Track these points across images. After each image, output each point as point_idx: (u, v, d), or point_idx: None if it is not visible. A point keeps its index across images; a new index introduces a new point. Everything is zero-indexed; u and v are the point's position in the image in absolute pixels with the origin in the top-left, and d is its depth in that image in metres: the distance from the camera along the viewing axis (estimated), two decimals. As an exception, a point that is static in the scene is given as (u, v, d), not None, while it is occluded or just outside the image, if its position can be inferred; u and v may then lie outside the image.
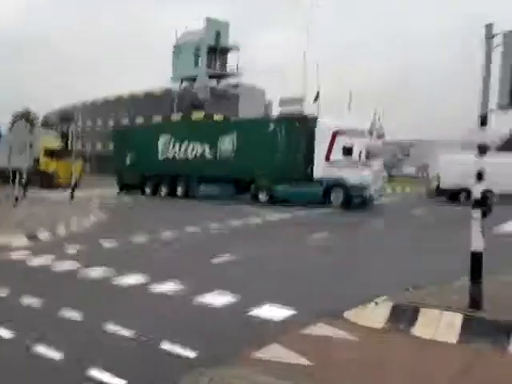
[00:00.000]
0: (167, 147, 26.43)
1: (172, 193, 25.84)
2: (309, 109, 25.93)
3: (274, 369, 4.45)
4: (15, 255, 10.18)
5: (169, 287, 7.37)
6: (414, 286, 6.46)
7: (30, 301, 6.68)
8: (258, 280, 8.21)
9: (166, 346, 5.04)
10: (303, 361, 4.66)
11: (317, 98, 27.26)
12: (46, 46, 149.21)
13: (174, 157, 26.18)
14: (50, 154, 31.68)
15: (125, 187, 28.21)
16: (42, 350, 4.93)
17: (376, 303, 5.87)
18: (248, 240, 12.77)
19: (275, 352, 4.85)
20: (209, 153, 24.49)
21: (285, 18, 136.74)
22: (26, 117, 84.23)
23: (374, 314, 5.74)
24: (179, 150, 25.86)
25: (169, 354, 4.90)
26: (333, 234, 13.81)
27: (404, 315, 5.56)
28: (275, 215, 18.10)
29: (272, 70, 67.72)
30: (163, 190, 26.31)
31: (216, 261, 9.55)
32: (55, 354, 4.82)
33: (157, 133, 27.58)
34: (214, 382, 4.23)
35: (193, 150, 25.14)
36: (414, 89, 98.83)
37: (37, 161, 29.52)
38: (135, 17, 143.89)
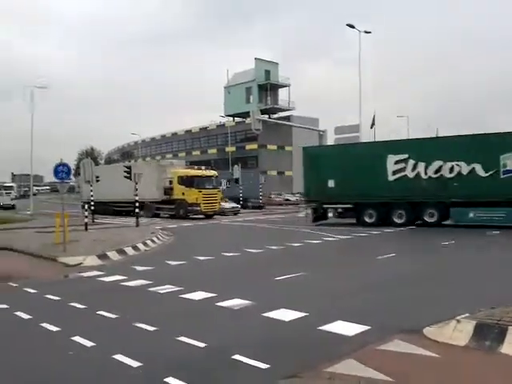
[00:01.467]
0: (404, 168, 21.21)
1: (410, 221, 21.12)
2: (365, 135, 25.52)
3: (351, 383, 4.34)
4: (88, 273, 10.78)
5: (237, 303, 7.42)
6: (496, 305, 6.12)
7: (105, 314, 6.96)
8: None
9: (238, 357, 5.05)
10: (382, 377, 4.49)
11: (373, 123, 27.15)
12: (106, 90, 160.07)
13: (417, 178, 20.93)
14: (187, 182, 29.95)
15: (323, 214, 23.36)
16: (120, 358, 5.10)
17: (458, 321, 5.60)
18: None
19: (351, 367, 4.73)
20: (483, 172, 19.53)
21: (334, 49, 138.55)
22: (90, 154, 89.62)
23: (456, 332, 5.45)
24: (426, 170, 20.75)
25: (241, 364, 4.90)
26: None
27: (490, 333, 5.25)
28: None
29: (324, 100, 68.54)
30: (392, 219, 21.42)
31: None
32: (133, 362, 4.96)
33: (380, 151, 22.09)
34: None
35: (452, 170, 20.17)
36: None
37: (167, 190, 30.47)
38: (186, 60, 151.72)
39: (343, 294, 8.12)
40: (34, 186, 59.64)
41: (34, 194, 51.90)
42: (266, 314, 6.68)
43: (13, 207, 45.94)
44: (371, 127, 38.47)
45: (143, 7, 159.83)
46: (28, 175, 52.85)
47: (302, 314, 6.64)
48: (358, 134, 26.82)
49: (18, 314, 7.10)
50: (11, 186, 79.13)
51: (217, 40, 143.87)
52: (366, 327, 5.98)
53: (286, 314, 6.66)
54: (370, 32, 32.43)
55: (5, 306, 7.65)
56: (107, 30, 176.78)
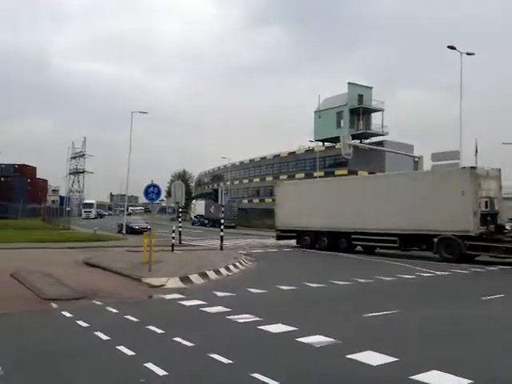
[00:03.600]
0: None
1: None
2: (465, 162, 23.67)
3: None
4: (170, 296, 10.73)
5: (319, 339, 6.80)
6: None
7: (181, 341, 6.71)
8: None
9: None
10: None
11: (477, 150, 25.33)
12: (197, 117, 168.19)
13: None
14: None
15: None
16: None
17: None
18: None
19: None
20: None
21: (430, 74, 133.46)
22: (182, 177, 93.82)
23: None
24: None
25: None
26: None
27: None
28: None
29: (420, 127, 65.67)
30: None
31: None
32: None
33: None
34: None
35: None
36: None
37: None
38: (281, 88, 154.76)
39: (440, 340, 7.15)
40: (129, 205, 63.04)
41: (129, 214, 54.68)
42: (350, 356, 5.99)
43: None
44: (475, 154, 36.25)
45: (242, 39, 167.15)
46: (124, 196, 56.05)
47: (392, 359, 5.87)
48: (457, 161, 25.00)
49: (98, 334, 7.09)
50: (91, 204, 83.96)
51: (311, 69, 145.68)
52: (467, 381, 5.11)
53: (373, 358, 5.92)
54: (472, 54, 30.53)
55: (86, 325, 7.72)
56: (207, 61, 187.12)
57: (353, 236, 23.50)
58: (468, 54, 30.65)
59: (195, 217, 65.59)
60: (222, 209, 25.65)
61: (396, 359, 5.89)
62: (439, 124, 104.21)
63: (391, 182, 22.78)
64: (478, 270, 16.71)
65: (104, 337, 6.95)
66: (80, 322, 7.88)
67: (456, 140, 28.96)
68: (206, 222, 60.65)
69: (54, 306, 9.34)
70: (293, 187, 29.47)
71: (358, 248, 24.06)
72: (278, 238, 28.37)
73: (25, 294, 10.53)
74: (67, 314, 8.55)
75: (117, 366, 5.80)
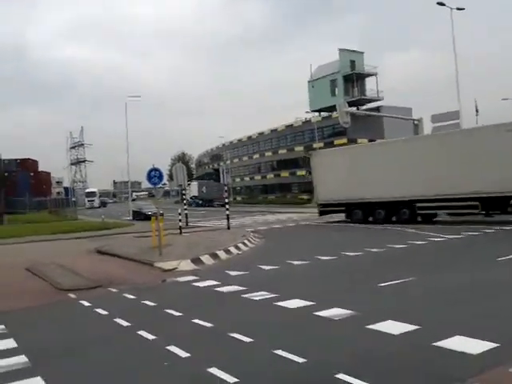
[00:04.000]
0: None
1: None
2: (466, 122, 23.37)
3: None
4: (183, 278, 10.82)
5: (336, 312, 6.86)
6: None
7: (200, 322, 6.79)
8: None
9: (342, 376, 4.52)
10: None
11: (477, 110, 25.14)
12: (196, 97, 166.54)
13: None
14: None
15: None
16: (215, 371, 4.82)
17: None
18: None
19: (477, 393, 4.02)
20: None
21: (421, 34, 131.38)
22: (182, 159, 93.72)
23: None
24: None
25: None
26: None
27: None
28: None
29: (416, 89, 64.77)
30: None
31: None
32: (228, 377, 4.65)
33: None
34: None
35: None
36: None
37: None
38: (267, 61, 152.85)
39: (460, 304, 7.19)
40: (133, 191, 63.01)
41: (133, 200, 54.69)
42: (370, 326, 6.04)
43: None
44: (476, 114, 35.85)
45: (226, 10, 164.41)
46: (127, 182, 56.04)
47: (413, 327, 5.90)
48: (458, 121, 24.80)
49: (118, 320, 7.18)
50: (94, 192, 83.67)
51: (300, 37, 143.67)
52: (494, 344, 5.11)
53: (393, 327, 5.96)
54: (462, 8, 29.94)
55: (106, 313, 7.82)
56: (196, 39, 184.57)
57: (418, 205, 20.97)
58: (458, 9, 30.09)
59: (190, 198, 65.94)
60: (226, 188, 25.73)
61: (417, 327, 5.91)
62: (436, 85, 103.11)
63: (474, 139, 19.51)
64: (487, 230, 16.75)
65: (124, 323, 7.04)
66: (99, 310, 7.98)
67: (454, 100, 28.70)
68: (200, 202, 61.08)
69: (72, 296, 9.46)
70: (336, 155, 26.22)
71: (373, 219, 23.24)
72: (321, 213, 25.76)
73: (42, 286, 10.65)
74: (85, 303, 8.66)
75: (140, 350, 5.87)
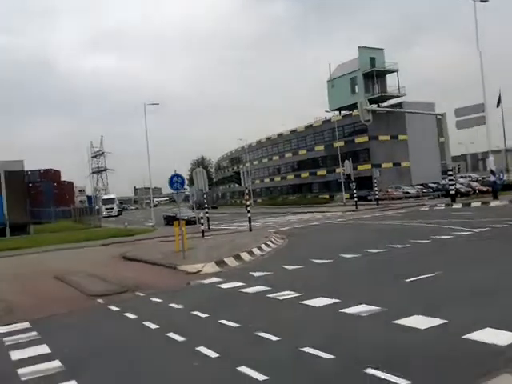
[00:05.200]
0: None
1: None
2: (491, 115, 22.98)
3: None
4: (208, 280, 10.94)
5: (362, 309, 6.86)
6: None
7: (227, 322, 6.87)
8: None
9: (372, 371, 4.53)
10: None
11: (499, 102, 24.67)
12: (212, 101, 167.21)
13: None
14: None
15: None
16: (245, 370, 4.89)
17: None
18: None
19: (508, 384, 3.98)
20: None
21: (444, 27, 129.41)
22: (201, 163, 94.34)
23: None
24: None
25: (376, 380, 4.37)
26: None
27: None
28: None
29: (439, 83, 63.64)
30: None
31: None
32: (259, 376, 4.71)
33: None
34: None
35: None
36: None
37: None
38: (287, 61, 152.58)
39: (487, 297, 7.11)
40: (154, 197, 63.61)
41: (155, 206, 55.29)
42: (397, 322, 6.03)
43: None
44: (497, 106, 35.08)
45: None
46: (148, 188, 56.65)
47: (441, 321, 5.87)
48: (483, 114, 24.39)
49: (146, 324, 7.31)
50: (112, 199, 76.53)
51: (318, 37, 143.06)
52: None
53: (421, 321, 5.94)
54: (486, 0, 29.42)
55: (135, 317, 7.95)
56: (209, 43, 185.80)
57: None
58: (481, 0, 29.59)
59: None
60: (247, 190, 25.79)
61: (445, 321, 5.88)
62: (460, 78, 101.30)
63: None
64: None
65: (153, 326, 7.16)
66: (128, 314, 8.13)
67: (479, 94, 28.23)
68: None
69: (101, 301, 9.64)
70: None
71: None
72: None
73: (71, 293, 10.87)
74: (114, 308, 8.82)
75: (170, 352, 5.98)
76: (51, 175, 69.64)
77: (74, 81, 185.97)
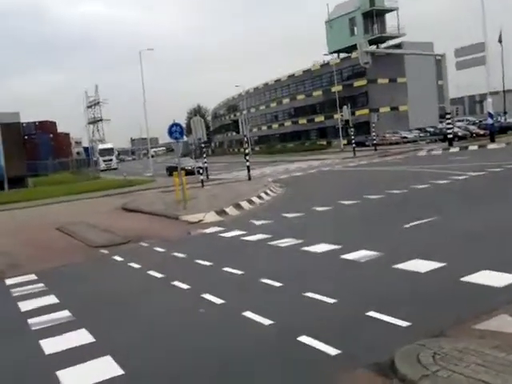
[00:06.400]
0: None
1: None
2: (491, 55, 22.42)
3: (508, 342, 3.73)
4: (209, 230, 11.06)
5: (362, 254, 6.98)
6: None
7: (231, 270, 7.01)
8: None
9: (374, 314, 4.67)
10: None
11: (500, 38, 23.97)
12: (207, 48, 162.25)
13: None
14: None
15: None
16: (250, 315, 5.04)
17: None
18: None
19: (505, 323, 4.12)
20: None
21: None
22: (198, 112, 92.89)
23: None
24: None
25: (379, 322, 4.51)
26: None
27: None
28: None
29: (438, 22, 61.46)
30: None
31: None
32: (263, 320, 4.86)
33: None
34: (439, 355, 3.69)
35: None
36: None
37: None
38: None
39: (484, 240, 7.22)
40: (151, 148, 62.91)
41: (152, 156, 54.80)
42: (397, 266, 6.16)
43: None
44: (499, 41, 34.04)
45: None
46: (145, 139, 56.05)
47: (440, 264, 6.00)
48: (483, 54, 23.76)
49: (152, 273, 7.45)
50: (111, 149, 67.85)
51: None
52: (520, 276, 5.19)
53: (420, 265, 6.07)
54: None
55: (139, 266, 8.11)
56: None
57: None
58: None
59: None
60: (245, 139, 25.63)
61: (444, 264, 6.01)
62: (459, 16, 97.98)
63: None
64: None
65: (158, 275, 7.31)
66: (132, 264, 8.28)
67: (479, 32, 27.42)
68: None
69: (105, 252, 9.80)
70: None
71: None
72: None
73: (74, 244, 11.04)
74: (118, 258, 8.98)
75: (176, 299, 6.14)
76: (47, 127, 68.71)
77: (66, 29, 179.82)
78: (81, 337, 4.99)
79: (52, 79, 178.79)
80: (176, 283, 6.65)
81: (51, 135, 68.20)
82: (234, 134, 60.13)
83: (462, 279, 5.36)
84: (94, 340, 4.89)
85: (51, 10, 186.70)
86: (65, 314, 5.88)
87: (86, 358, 4.39)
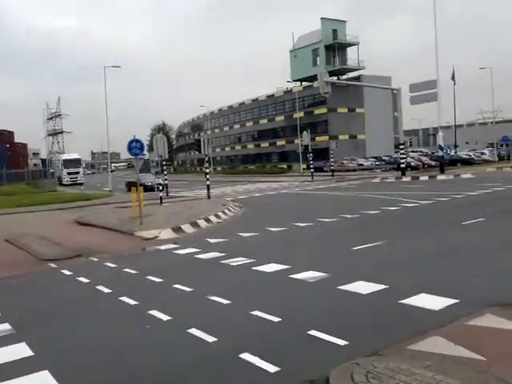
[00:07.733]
0: None
1: None
2: (444, 90, 23.72)
3: (438, 363, 3.94)
4: (164, 246, 11.03)
5: (311, 275, 7.17)
6: None
7: (181, 287, 7.02)
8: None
9: (314, 332, 4.81)
10: (472, 355, 4.07)
11: (453, 77, 25.41)
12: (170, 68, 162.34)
13: None
14: None
15: None
16: (195, 332, 5.07)
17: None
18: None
19: (437, 344, 4.34)
20: None
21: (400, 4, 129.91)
22: (162, 129, 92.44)
23: None
24: None
25: (318, 340, 4.65)
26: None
27: None
28: None
29: (396, 58, 64.82)
30: None
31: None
32: (208, 337, 4.90)
33: None
34: (371, 374, 3.86)
35: None
36: None
37: None
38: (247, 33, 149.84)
39: (426, 265, 7.57)
40: (112, 162, 61.66)
41: (112, 171, 53.59)
42: (342, 287, 6.37)
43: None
44: (452, 79, 36.01)
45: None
46: (106, 153, 55.02)
47: (382, 287, 6.25)
48: (435, 91, 25.09)
49: (99, 288, 7.36)
50: (77, 160, 57.44)
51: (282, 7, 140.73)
52: (454, 300, 5.49)
53: (363, 287, 6.30)
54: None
55: (87, 281, 7.98)
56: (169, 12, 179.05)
57: None
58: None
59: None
60: (207, 158, 25.72)
61: (386, 286, 6.26)
62: (416, 53, 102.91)
63: None
64: (458, 196, 17.23)
65: (106, 290, 7.23)
66: (81, 279, 8.14)
67: (433, 68, 28.92)
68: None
69: (53, 265, 9.58)
70: None
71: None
72: None
73: (22, 257, 10.72)
74: (67, 272, 8.80)
75: (122, 315, 6.09)
76: (4, 137, 66.72)
77: (31, 41, 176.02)
78: (19, 351, 4.88)
79: (13, 89, 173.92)
80: (124, 299, 6.60)
81: (7, 145, 66.13)
82: (197, 153, 60.11)
83: (401, 301, 5.60)
84: (33, 354, 4.80)
85: (17, 19, 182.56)
86: (5, 327, 5.72)
87: (23, 372, 4.31)
